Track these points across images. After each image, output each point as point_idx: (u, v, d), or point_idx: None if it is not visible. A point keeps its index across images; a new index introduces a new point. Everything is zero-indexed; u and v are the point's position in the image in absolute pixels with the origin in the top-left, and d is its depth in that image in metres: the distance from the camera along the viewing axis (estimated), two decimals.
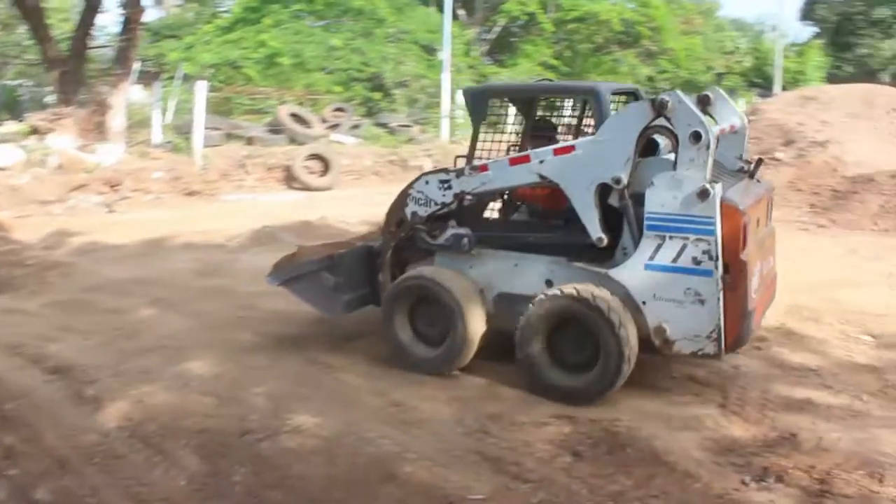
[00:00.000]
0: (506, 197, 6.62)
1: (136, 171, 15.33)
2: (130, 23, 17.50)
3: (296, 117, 19.57)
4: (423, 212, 6.14)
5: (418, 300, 6.02)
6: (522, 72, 27.74)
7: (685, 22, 35.10)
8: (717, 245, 4.99)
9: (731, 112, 5.90)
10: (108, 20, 64.42)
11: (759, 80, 37.78)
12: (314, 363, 6.20)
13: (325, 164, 17.59)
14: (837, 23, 41.78)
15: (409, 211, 6.23)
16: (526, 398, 5.47)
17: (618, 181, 5.25)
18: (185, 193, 15.38)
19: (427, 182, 6.19)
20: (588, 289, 5.29)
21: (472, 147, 6.17)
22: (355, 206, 13.43)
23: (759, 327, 5.92)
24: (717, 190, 5.00)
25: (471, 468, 4.53)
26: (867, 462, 4.52)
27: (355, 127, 21.31)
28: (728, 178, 5.56)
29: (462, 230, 6.00)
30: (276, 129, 18.98)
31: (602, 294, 5.24)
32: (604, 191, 5.37)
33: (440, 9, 24.99)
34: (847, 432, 4.90)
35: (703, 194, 4.97)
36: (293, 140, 18.65)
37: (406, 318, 6.08)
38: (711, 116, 5.63)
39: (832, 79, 37.54)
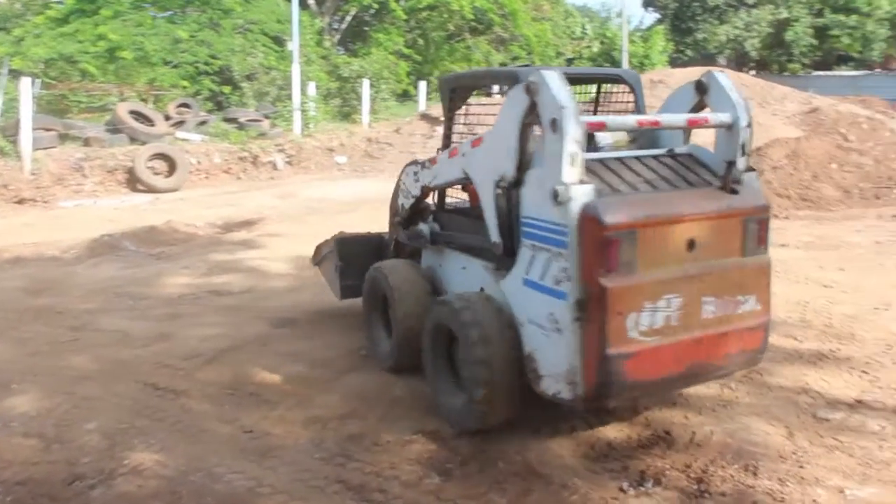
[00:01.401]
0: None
1: None
2: None
3: (137, 115, 18.47)
4: (407, 204, 5.90)
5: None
6: (375, 61, 27.35)
7: (535, 9, 35.60)
8: (573, 263, 4.08)
9: (725, 103, 4.70)
10: None
11: (607, 65, 38.78)
12: (156, 389, 5.63)
13: (171, 164, 16.69)
14: (677, 9, 43.56)
15: (400, 202, 6.04)
16: (388, 413, 5.12)
17: (502, 178, 4.58)
18: (14, 202, 14.22)
19: (408, 173, 5.90)
20: (463, 300, 4.73)
21: (445, 137, 5.65)
22: (204, 207, 12.76)
23: (673, 389, 5.03)
24: (573, 193, 4.08)
25: (332, 500, 4.15)
26: (740, 454, 4.45)
27: (202, 123, 20.36)
28: (657, 183, 4.52)
29: (424, 226, 5.72)
30: (115, 128, 17.83)
31: (473, 307, 4.60)
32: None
33: None
34: (719, 424, 4.83)
35: (554, 196, 4.13)
36: (135, 139, 17.57)
37: (378, 312, 5.91)
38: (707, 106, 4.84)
39: (674, 62, 39.15)
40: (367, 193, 14.97)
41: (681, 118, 4.83)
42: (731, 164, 4.59)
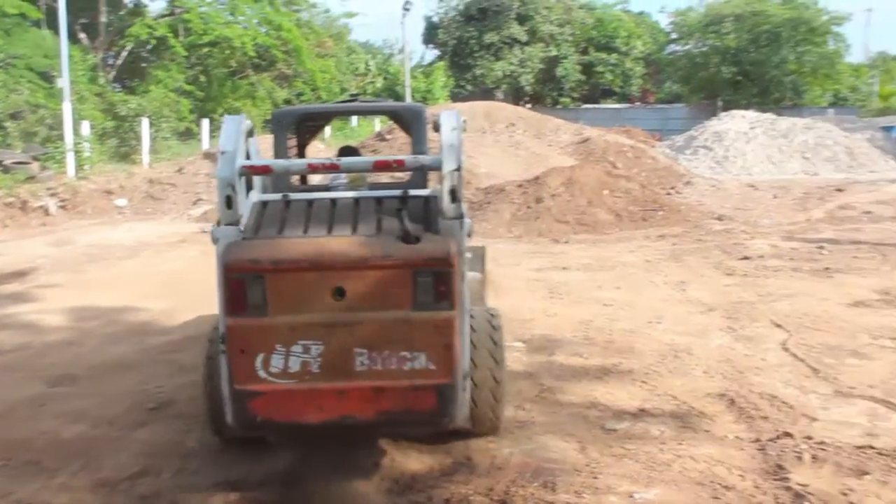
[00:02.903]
0: None
1: None
2: None
3: None
4: None
5: None
6: (155, 98, 26.34)
7: (318, 45, 35.80)
8: (220, 299, 4.18)
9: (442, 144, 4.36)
10: None
11: (391, 100, 39.59)
12: None
13: None
14: (455, 46, 45.29)
15: None
16: (184, 468, 4.84)
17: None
18: None
19: None
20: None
21: None
22: None
23: (325, 436, 4.85)
24: (220, 234, 4.20)
25: None
26: (539, 472, 4.64)
27: None
28: (324, 227, 4.32)
29: None
30: None
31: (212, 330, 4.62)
32: None
33: (56, 32, 22.82)
34: (517, 445, 5.01)
35: (212, 237, 4.25)
36: None
37: None
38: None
39: (456, 97, 40.65)
40: (151, 237, 14.37)
41: (367, 161, 4.86)
42: (400, 210, 4.26)
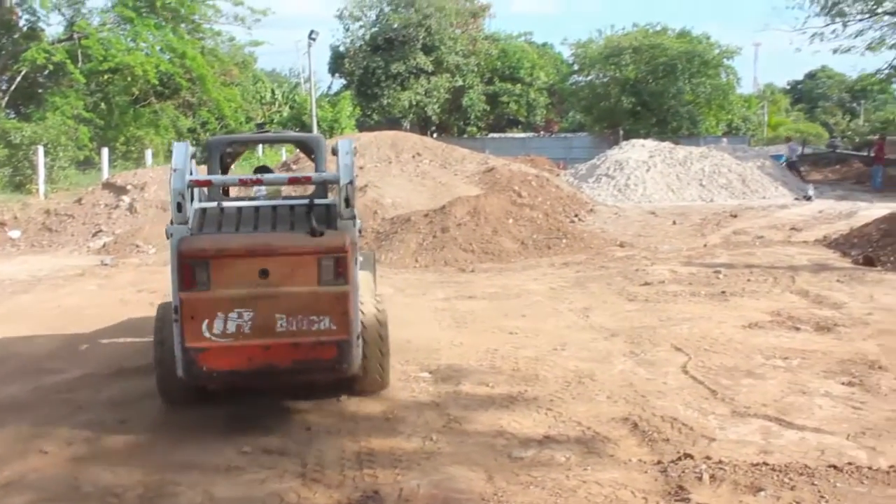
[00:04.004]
0: None
1: None
2: None
3: None
4: None
5: None
6: (52, 126, 25.44)
7: (223, 73, 35.32)
8: (174, 279, 5.61)
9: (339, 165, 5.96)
10: None
11: (297, 129, 39.37)
12: None
13: None
14: (362, 76, 45.39)
15: None
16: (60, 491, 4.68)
17: None
18: None
19: None
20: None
21: None
22: None
23: (255, 381, 6.13)
24: (173, 231, 5.63)
25: None
26: (447, 503, 4.65)
27: None
28: (252, 225, 5.94)
29: None
30: None
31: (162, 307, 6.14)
32: None
33: None
34: (424, 476, 4.99)
35: (166, 234, 5.74)
36: None
37: None
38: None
39: (362, 126, 40.70)
40: (47, 270, 13.83)
41: (283, 177, 7.18)
42: (309, 212, 5.91)
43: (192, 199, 5.94)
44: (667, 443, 5.52)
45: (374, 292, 6.92)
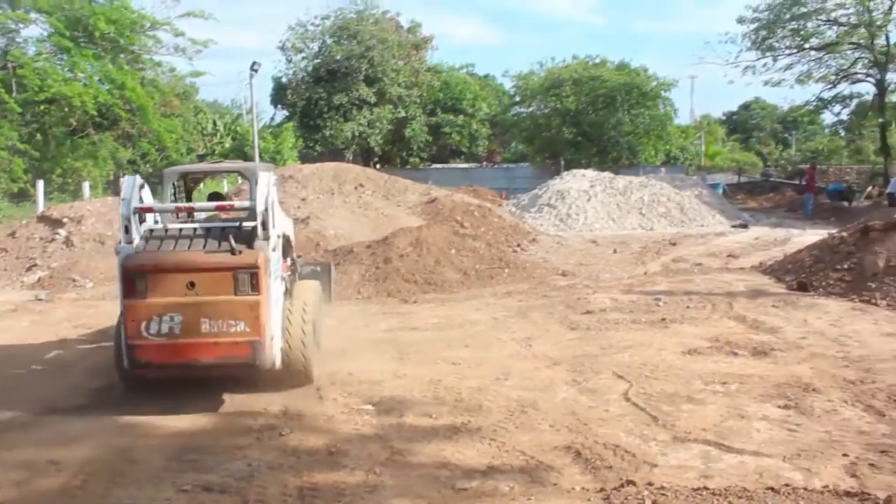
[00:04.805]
0: None
1: None
2: None
3: None
4: None
5: None
6: None
7: (164, 104, 34.85)
8: (119, 289, 7.04)
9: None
10: None
11: (240, 160, 39.02)
12: None
13: None
14: (304, 107, 45.24)
15: None
16: None
17: None
18: None
19: None
20: None
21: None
22: None
23: (185, 371, 7.17)
24: (119, 249, 6.98)
25: None
26: None
27: None
28: (185, 244, 7.07)
29: None
30: None
31: None
32: None
33: None
34: None
35: (115, 251, 7.14)
36: None
37: None
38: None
39: (305, 158, 40.52)
40: None
41: (211, 205, 8.14)
42: (229, 235, 7.01)
43: (142, 221, 7.23)
44: (609, 470, 5.56)
45: (315, 299, 8.22)
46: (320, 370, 8.01)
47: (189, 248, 7.01)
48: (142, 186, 7.40)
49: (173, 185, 8.53)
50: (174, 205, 8.02)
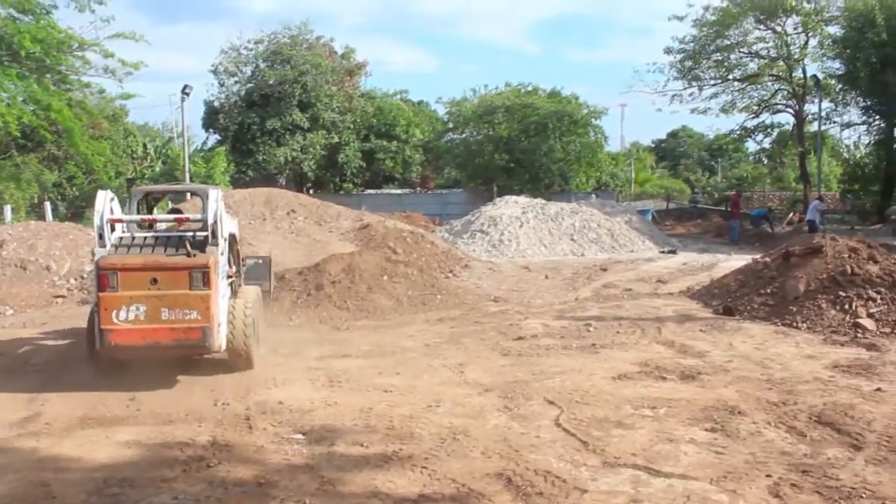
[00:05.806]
0: None
1: None
2: None
3: None
4: None
5: None
6: None
7: (92, 127, 34.07)
8: (94, 284, 8.88)
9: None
10: None
11: (174, 182, 38.33)
12: None
13: None
14: (237, 131, 44.77)
15: None
16: None
17: None
18: None
19: None
20: None
21: None
22: None
23: (149, 354, 8.81)
24: (95, 252, 8.75)
25: None
26: None
27: None
28: (150, 249, 8.83)
29: None
30: None
31: None
32: None
33: None
34: None
35: (91, 254, 9.28)
36: None
37: None
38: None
39: (237, 182, 40.04)
40: None
41: (171, 217, 9.84)
42: (185, 241, 8.72)
43: (112, 231, 8.94)
44: (540, 496, 5.58)
45: (256, 299, 10.07)
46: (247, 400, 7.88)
47: (153, 251, 8.76)
48: (112, 199, 9.16)
49: (138, 201, 10.17)
50: (140, 216, 9.69)
